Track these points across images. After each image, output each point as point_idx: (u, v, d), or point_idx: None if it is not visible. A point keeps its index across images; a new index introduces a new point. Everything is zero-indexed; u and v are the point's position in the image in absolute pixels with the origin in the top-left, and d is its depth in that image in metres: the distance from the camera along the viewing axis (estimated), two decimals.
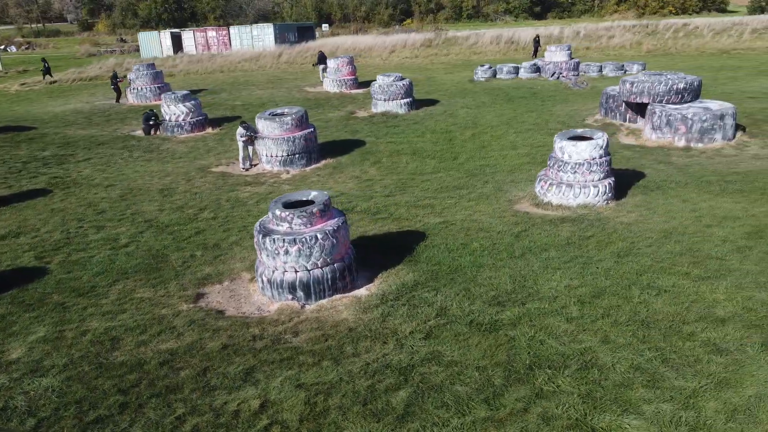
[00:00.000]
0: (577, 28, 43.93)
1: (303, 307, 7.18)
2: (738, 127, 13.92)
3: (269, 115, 13.34)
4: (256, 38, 44.91)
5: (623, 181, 11.04)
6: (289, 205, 7.58)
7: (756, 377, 5.36)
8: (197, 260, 8.70)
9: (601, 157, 9.74)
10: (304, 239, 6.97)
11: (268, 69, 32.17)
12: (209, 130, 17.37)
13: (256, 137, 13.08)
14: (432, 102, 19.93)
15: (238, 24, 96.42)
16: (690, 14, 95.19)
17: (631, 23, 61.19)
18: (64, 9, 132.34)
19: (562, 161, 9.87)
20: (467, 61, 32.19)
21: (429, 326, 6.52)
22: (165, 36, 47.30)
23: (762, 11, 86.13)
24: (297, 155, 13.07)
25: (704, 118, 12.95)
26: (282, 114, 13.34)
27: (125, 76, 24.30)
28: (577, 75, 23.02)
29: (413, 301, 7.10)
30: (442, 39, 40.49)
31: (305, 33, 52.22)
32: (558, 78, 23.00)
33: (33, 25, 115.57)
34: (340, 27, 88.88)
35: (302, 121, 13.23)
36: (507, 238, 8.73)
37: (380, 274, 7.84)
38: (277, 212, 7.22)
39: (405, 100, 18.08)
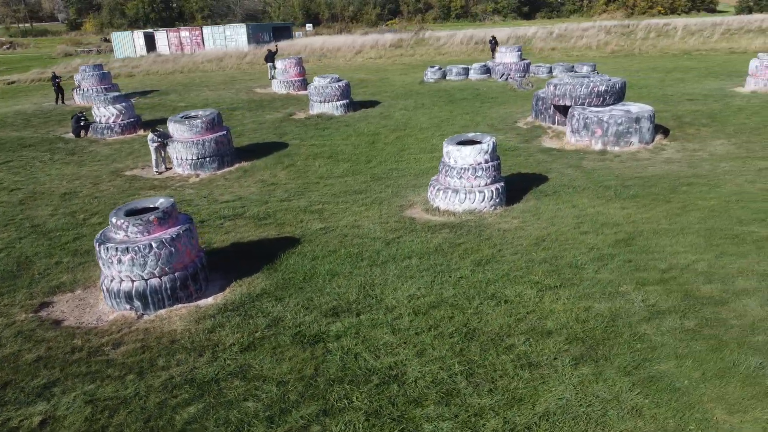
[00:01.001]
0: (552, 29, 43.87)
1: (140, 317, 7.00)
2: (658, 130, 13.79)
3: (181, 118, 13.16)
4: (229, 38, 44.71)
5: (523, 185, 10.89)
6: (136, 212, 7.40)
7: (553, 394, 5.20)
8: (60, 267, 8.51)
9: (486, 162, 9.57)
10: (137, 248, 6.79)
11: (229, 70, 31.99)
12: (141, 132, 17.16)
13: (167, 142, 12.90)
14: (374, 103, 19.76)
15: (226, 23, 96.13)
16: (679, 14, 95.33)
17: (613, 23, 61.30)
18: (55, 8, 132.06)
19: (449, 166, 9.70)
20: (431, 61, 32.01)
21: (253, 338, 6.35)
22: (138, 36, 47.07)
23: (750, 11, 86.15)
24: (208, 158, 12.89)
25: (620, 121, 12.80)
26: (193, 117, 13.16)
27: (60, 77, 23.99)
28: (524, 76, 22.85)
29: (251, 311, 6.92)
30: (414, 39, 40.32)
31: (282, 33, 52.05)
32: (506, 79, 22.83)
33: (20, 25, 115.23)
34: (326, 27, 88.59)
35: (213, 124, 13.05)
36: (377, 245, 8.56)
37: (234, 283, 7.66)
38: (113, 220, 7.04)
39: (341, 102, 17.90)
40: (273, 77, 24.30)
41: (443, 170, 9.85)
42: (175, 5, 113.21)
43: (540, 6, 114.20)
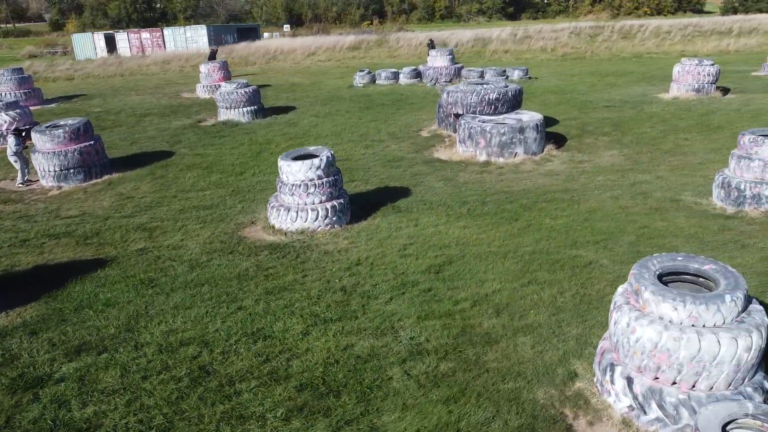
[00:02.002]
0: (517, 30, 43.32)
1: None
2: (551, 139, 13.23)
3: (45, 127, 12.56)
4: (189, 40, 44.10)
5: (380, 201, 10.32)
6: None
7: None
8: None
9: (320, 178, 8.97)
10: None
11: (171, 73, 31.27)
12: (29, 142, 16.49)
13: (23, 133, 12.47)
14: (289, 109, 19.15)
15: (210, 23, 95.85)
16: (665, 15, 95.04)
17: (588, 24, 60.95)
18: (42, 9, 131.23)
19: (282, 182, 9.12)
20: (378, 64, 31.35)
21: None
22: (99, 38, 46.45)
23: (735, 12, 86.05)
24: (72, 170, 12.27)
25: (502, 131, 12.23)
26: (60, 126, 12.56)
27: None
28: (450, 81, 22.24)
29: None
30: (375, 41, 39.73)
31: (248, 34, 51.46)
32: (435, 84, 22.23)
33: (3, 25, 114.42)
34: (306, 28, 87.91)
35: (79, 134, 12.43)
36: (180, 269, 7.95)
37: (4, 313, 7.05)
38: None
39: (248, 108, 17.29)
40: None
41: (279, 187, 9.26)
42: (159, 5, 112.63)
43: (525, 6, 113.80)
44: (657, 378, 4.65)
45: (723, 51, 30.13)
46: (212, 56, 29.48)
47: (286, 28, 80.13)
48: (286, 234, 9.01)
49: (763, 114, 14.86)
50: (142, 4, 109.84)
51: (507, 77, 22.32)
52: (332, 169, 9.18)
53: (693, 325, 4.54)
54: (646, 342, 4.59)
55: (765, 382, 4.69)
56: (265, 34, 71.82)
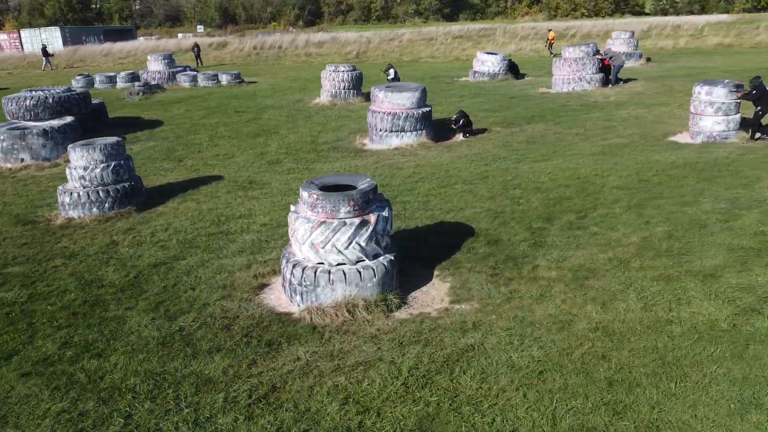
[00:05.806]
0: (392, 34, 43.47)
1: None
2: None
3: None
4: (45, 41, 44.49)
5: None
6: None
7: None
8: None
9: None
10: None
11: None
12: None
13: None
14: None
15: (146, 24, 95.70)
16: (603, 16, 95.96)
17: (479, 26, 61.57)
18: None
19: None
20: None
21: None
22: None
23: (665, 13, 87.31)
24: None
25: (2, 137, 12.67)
26: None
27: None
28: (153, 86, 22.47)
29: None
30: (225, 43, 40.13)
31: (123, 35, 51.80)
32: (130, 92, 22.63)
33: None
34: (222, 30, 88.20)
35: None
36: None
37: None
38: None
39: None
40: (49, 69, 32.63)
41: None
42: (96, 5, 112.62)
43: (463, 8, 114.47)
44: None
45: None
46: (44, 52, 34.00)
47: (200, 28, 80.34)
48: None
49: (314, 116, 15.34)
50: (78, 3, 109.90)
51: (241, 81, 22.84)
52: None
53: None
54: None
55: None
56: (179, 35, 72.21)
